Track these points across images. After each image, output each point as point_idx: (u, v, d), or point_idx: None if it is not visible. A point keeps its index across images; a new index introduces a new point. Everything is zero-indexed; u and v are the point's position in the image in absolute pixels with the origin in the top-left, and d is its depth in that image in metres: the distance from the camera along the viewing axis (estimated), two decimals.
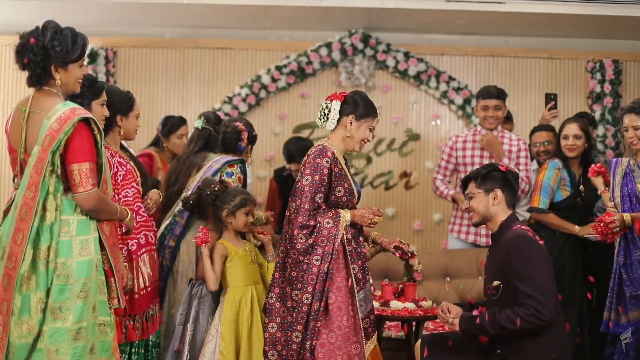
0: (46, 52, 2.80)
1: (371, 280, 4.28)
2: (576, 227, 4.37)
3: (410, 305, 3.89)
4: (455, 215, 5.23)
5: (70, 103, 2.84)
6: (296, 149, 5.47)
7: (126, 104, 3.51)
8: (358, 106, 3.41)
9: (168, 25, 7.00)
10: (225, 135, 4.24)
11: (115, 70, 7.01)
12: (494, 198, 3.30)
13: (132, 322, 3.40)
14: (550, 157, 4.68)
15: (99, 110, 3.22)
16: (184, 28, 7.03)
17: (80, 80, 2.94)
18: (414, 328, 4.06)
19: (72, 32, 2.87)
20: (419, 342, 3.41)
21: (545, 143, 5.03)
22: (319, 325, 3.24)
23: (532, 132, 5.24)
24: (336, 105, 3.40)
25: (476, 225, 3.41)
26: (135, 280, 3.37)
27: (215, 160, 4.14)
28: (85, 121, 2.79)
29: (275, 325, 3.30)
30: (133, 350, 3.45)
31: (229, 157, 4.14)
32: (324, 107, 3.41)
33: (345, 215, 3.32)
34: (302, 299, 3.23)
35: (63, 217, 2.79)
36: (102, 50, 6.90)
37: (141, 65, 7.11)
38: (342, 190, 3.36)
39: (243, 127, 4.23)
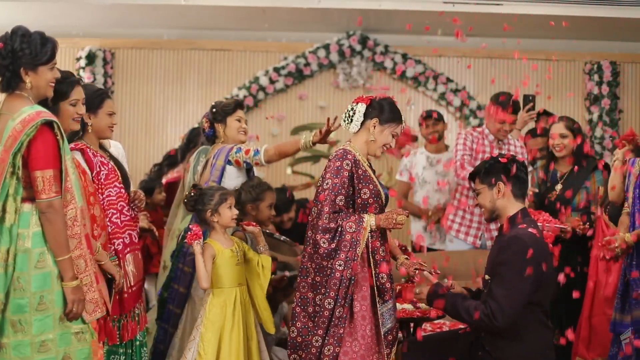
0: (15, 55, 2.79)
1: None
2: None
3: (408, 307, 3.89)
4: (455, 214, 5.22)
5: (38, 106, 2.81)
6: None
7: (94, 100, 3.38)
8: (383, 111, 3.37)
9: (166, 26, 7.01)
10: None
11: (113, 72, 7.01)
12: (498, 191, 3.24)
13: (124, 321, 3.41)
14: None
15: (69, 111, 3.12)
16: (182, 29, 7.03)
17: (52, 84, 2.91)
18: (411, 329, 4.06)
19: (41, 36, 2.86)
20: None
21: (541, 149, 5.06)
22: (341, 332, 3.22)
23: (528, 136, 5.26)
24: (362, 107, 3.36)
25: (488, 220, 3.36)
26: (124, 280, 3.36)
27: (214, 157, 4.06)
28: (49, 125, 2.75)
29: (296, 330, 3.29)
30: (121, 350, 3.45)
31: (226, 149, 4.05)
32: (349, 109, 3.39)
33: (370, 219, 3.26)
34: (324, 303, 3.21)
35: (20, 230, 2.76)
36: (100, 51, 6.90)
37: (139, 66, 7.11)
38: (368, 192, 3.31)
39: (205, 118, 4.19)
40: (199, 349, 3.48)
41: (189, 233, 3.52)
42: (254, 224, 3.81)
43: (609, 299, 3.95)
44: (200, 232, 3.53)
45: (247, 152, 3.97)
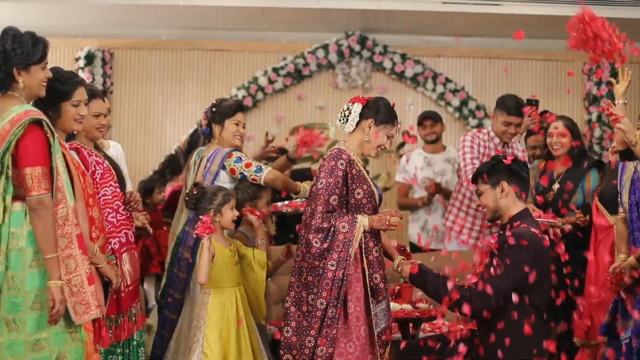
0: (7, 56, 2.80)
1: None
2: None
3: (407, 307, 3.90)
4: (457, 215, 5.20)
5: (27, 106, 2.82)
6: None
7: None
8: (379, 111, 3.37)
9: (165, 26, 7.01)
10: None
11: (112, 72, 7.01)
12: (502, 191, 3.26)
13: (121, 321, 3.41)
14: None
15: (71, 111, 3.10)
16: (181, 29, 7.03)
17: (44, 83, 2.91)
18: (410, 329, 4.06)
19: (32, 36, 2.87)
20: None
21: (542, 147, 5.05)
22: (334, 332, 3.21)
23: (528, 135, 5.26)
24: (357, 108, 3.37)
25: (490, 221, 3.38)
26: (121, 279, 3.36)
27: (208, 160, 4.03)
28: (38, 123, 2.76)
29: (290, 330, 3.28)
30: (119, 350, 3.46)
31: (222, 153, 4.00)
32: (345, 109, 3.39)
33: (363, 220, 3.26)
34: (317, 303, 3.20)
35: (13, 229, 2.76)
36: (99, 52, 6.90)
37: (138, 66, 7.11)
38: (362, 192, 3.31)
39: (204, 115, 4.12)
40: (203, 349, 3.48)
41: (200, 225, 3.46)
42: (258, 214, 3.80)
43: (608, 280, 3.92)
44: (214, 227, 3.50)
45: (247, 165, 3.88)
